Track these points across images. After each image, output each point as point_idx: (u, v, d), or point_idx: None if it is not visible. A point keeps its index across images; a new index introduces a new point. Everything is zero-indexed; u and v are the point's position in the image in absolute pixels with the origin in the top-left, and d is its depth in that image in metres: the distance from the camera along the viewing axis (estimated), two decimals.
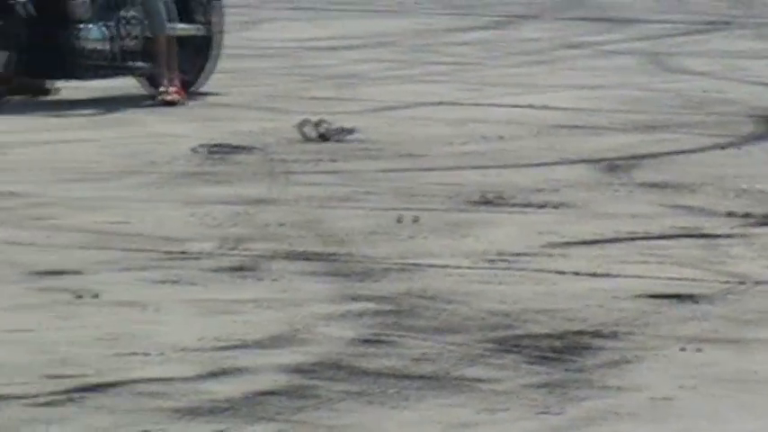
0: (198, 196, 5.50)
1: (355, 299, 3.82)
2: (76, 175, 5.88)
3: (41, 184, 5.67)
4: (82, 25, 7.13)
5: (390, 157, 6.42)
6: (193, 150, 6.26)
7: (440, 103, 8.09)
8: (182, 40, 7.44)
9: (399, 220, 4.90)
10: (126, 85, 7.93)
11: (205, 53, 7.55)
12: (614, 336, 3.44)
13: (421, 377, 2.96)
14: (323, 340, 3.36)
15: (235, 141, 6.34)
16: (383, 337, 3.35)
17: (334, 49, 9.98)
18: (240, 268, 4.20)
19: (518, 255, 4.47)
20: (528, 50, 10.60)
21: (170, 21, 7.32)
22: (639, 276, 4.27)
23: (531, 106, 8.24)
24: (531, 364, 3.12)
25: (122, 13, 7.21)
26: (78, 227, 4.93)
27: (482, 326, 3.50)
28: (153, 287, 4.01)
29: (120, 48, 7.28)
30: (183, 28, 7.43)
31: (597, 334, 3.43)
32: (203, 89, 7.95)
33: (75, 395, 2.68)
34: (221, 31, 7.67)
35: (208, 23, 7.54)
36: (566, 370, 3.04)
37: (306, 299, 3.87)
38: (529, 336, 3.43)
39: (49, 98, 7.51)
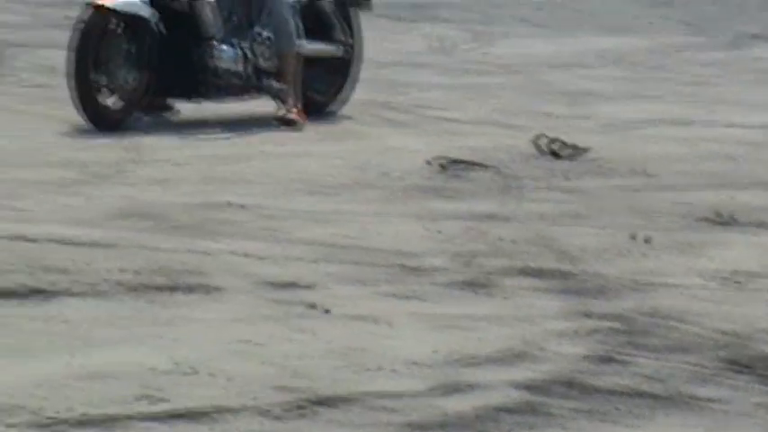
0: (431, 211, 5.52)
1: (588, 316, 3.85)
2: (308, 187, 5.91)
3: (273, 196, 5.73)
4: (215, 44, 6.91)
5: (623, 174, 6.30)
6: (427, 163, 6.23)
7: (673, 122, 7.90)
8: (317, 60, 7.32)
9: (632, 238, 4.91)
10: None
11: (343, 74, 7.41)
12: None
13: (652, 396, 3.03)
14: (555, 357, 3.43)
15: (468, 156, 6.30)
16: (615, 355, 3.39)
17: (567, 65, 9.84)
18: (472, 284, 4.24)
19: (751, 275, 4.42)
20: (763, 70, 10.57)
21: (298, 38, 7.12)
22: None
23: (765, 127, 7.99)
24: (764, 384, 3.13)
25: (255, 30, 7.09)
26: (310, 240, 5.00)
27: (714, 345, 3.52)
28: (385, 301, 4.10)
29: (253, 67, 7.11)
30: (318, 48, 7.30)
31: None
32: (433, 104, 7.89)
33: (307, 408, 2.81)
34: (361, 53, 7.52)
35: (347, 44, 7.37)
36: None
37: (538, 315, 3.89)
38: (762, 356, 3.43)
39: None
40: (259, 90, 7.08)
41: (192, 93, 6.87)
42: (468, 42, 10.49)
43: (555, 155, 6.48)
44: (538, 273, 4.45)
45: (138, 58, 6.59)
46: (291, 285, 4.16)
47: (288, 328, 3.62)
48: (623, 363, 3.34)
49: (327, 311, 3.83)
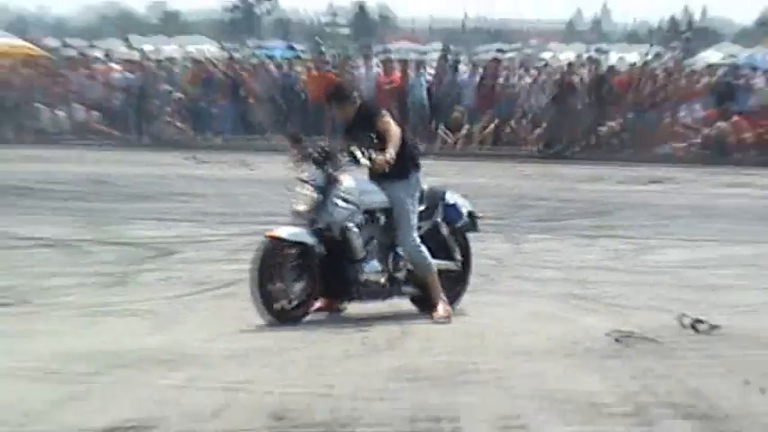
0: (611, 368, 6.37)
1: None
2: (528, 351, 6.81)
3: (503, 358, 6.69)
4: (361, 263, 7.81)
5: (749, 345, 7.26)
6: (606, 335, 7.34)
7: None
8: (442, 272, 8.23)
9: (762, 392, 5.65)
10: None
11: (461, 283, 8.41)
12: None
13: None
14: None
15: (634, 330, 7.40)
16: None
17: (703, 267, 11.05)
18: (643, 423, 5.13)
19: None
20: None
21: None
22: None
23: None
24: None
25: (396, 251, 7.98)
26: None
27: None
28: None
29: (392, 277, 7.99)
30: (444, 264, 8.21)
31: None
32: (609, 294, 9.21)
33: None
34: (471, 264, 8.54)
35: (463, 260, 8.37)
36: None
37: None
38: None
39: None
40: (399, 295, 8.07)
41: (346, 298, 7.84)
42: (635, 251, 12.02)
43: (694, 329, 7.42)
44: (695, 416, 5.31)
45: (305, 272, 7.53)
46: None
47: None
48: None
49: None
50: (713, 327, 7.54)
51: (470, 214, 8.31)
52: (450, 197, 8.27)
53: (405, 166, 7.83)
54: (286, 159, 8.17)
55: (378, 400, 5.56)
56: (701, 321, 7.57)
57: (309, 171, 7.62)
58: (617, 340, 7.25)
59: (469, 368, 6.41)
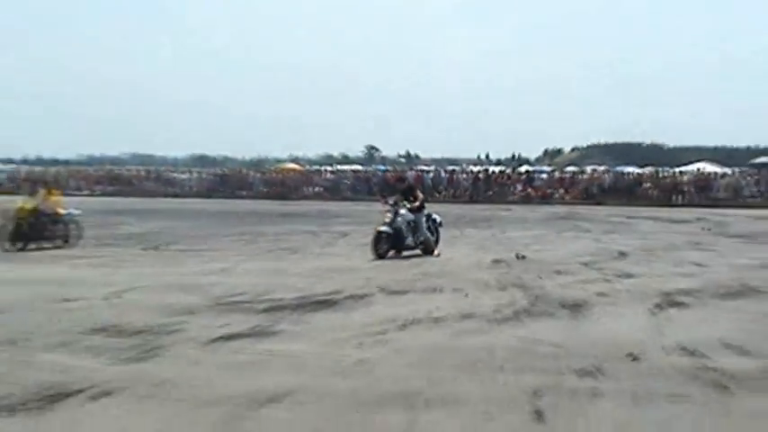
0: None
1: None
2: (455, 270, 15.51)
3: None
4: (407, 238, 18.73)
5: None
6: (516, 257, 17.54)
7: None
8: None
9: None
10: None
11: (437, 244, 19.87)
12: None
13: None
14: None
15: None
16: None
17: (523, 238, 23.15)
18: None
19: None
20: None
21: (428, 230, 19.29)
22: None
23: None
24: None
25: (417, 235, 19.14)
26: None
27: None
28: None
29: (416, 242, 18.92)
30: (433, 237, 19.50)
31: None
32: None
33: None
34: (440, 238, 21.24)
35: (437, 235, 19.94)
36: None
37: None
38: None
39: None
40: (418, 248, 18.92)
41: (402, 249, 18.74)
42: (500, 232, 23.19)
43: (519, 258, 17.32)
44: (518, 286, 15.88)
45: (387, 241, 18.41)
46: None
47: None
48: None
49: None
50: (525, 257, 17.91)
51: (440, 221, 19.75)
52: (434, 215, 19.48)
53: (421, 208, 18.83)
54: (382, 203, 18.89)
55: (412, 281, 13.90)
56: (523, 256, 17.95)
57: (390, 208, 18.43)
58: (493, 261, 17.08)
59: (445, 271, 15.70)
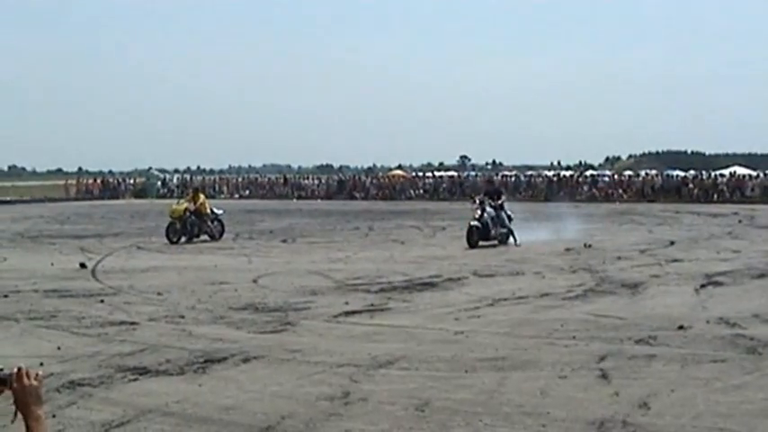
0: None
1: None
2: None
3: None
4: (492, 229, 18.74)
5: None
6: (566, 250, 17.76)
7: None
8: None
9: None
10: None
11: (509, 234, 19.84)
12: None
13: None
14: None
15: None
16: None
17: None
18: None
19: None
20: None
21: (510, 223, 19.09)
22: None
23: None
24: None
25: (499, 227, 18.69)
26: None
27: None
28: None
29: (499, 234, 18.75)
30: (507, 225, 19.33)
31: None
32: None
33: None
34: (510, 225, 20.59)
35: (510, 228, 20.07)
36: None
37: None
38: None
39: None
40: (499, 239, 18.65)
41: (488, 239, 18.51)
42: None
43: (586, 247, 17.36)
44: (587, 269, 15.57)
45: (478, 233, 18.54)
46: None
47: None
48: None
49: None
50: (591, 246, 17.52)
51: (512, 216, 19.12)
52: (509, 211, 18.97)
53: (502, 206, 18.47)
54: (471, 203, 18.56)
55: (499, 266, 14.55)
56: (589, 245, 17.55)
57: (479, 204, 18.01)
58: (565, 249, 16.97)
59: (526, 258, 15.74)
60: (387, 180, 56.83)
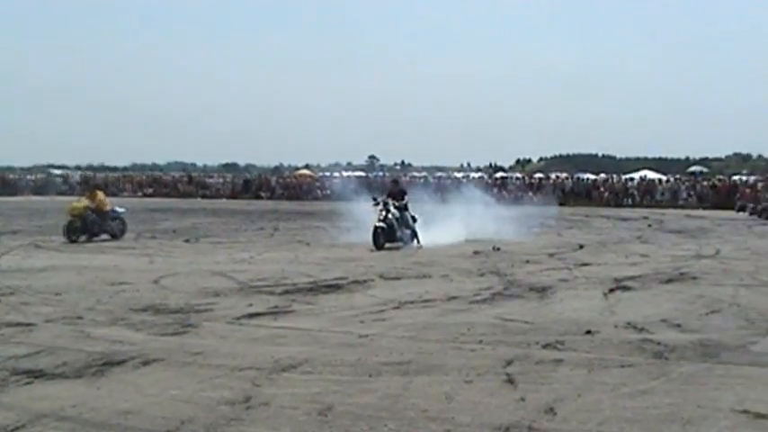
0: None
1: None
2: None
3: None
4: (398, 231, 18.66)
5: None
6: (493, 249, 17.73)
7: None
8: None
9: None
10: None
11: (413, 236, 20.18)
12: None
13: None
14: None
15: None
16: None
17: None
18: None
19: None
20: None
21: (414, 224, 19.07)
22: None
23: None
24: None
25: (402, 228, 18.87)
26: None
27: None
28: None
29: (406, 234, 18.98)
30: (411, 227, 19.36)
31: None
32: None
33: None
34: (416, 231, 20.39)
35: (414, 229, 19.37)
36: None
37: None
38: None
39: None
40: (402, 241, 18.86)
41: (394, 242, 18.76)
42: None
43: (495, 249, 17.44)
44: (495, 273, 15.87)
45: (383, 235, 18.71)
46: None
47: None
48: None
49: None
50: (499, 249, 17.82)
51: (414, 218, 19.27)
52: (413, 213, 19.08)
53: (407, 206, 18.52)
54: (372, 204, 18.48)
55: (406, 269, 14.54)
56: (498, 248, 17.84)
57: (383, 206, 18.03)
58: (475, 252, 17.13)
59: (434, 261, 15.79)
60: (293, 180, 56.69)
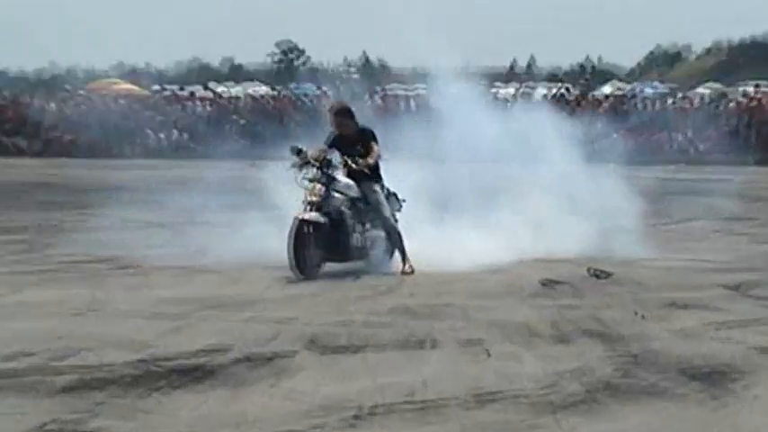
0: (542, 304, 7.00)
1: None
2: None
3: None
4: (353, 233, 8.59)
5: (629, 285, 8.00)
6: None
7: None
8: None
9: (635, 314, 6.51)
10: None
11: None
12: None
13: None
14: None
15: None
16: None
17: None
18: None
19: None
20: None
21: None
22: None
23: None
24: None
25: (364, 225, 8.92)
26: None
27: None
28: None
29: (364, 244, 8.90)
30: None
31: None
32: None
33: None
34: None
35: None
36: None
37: None
38: None
39: None
40: (367, 257, 9.07)
41: (343, 260, 8.67)
42: None
43: (597, 277, 8.34)
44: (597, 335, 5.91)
45: (319, 241, 8.27)
46: None
47: None
48: None
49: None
50: (609, 274, 8.69)
51: (398, 199, 9.37)
52: (396, 191, 9.33)
53: (378, 173, 8.97)
54: (287, 165, 8.61)
55: (366, 326, 6.21)
56: (602, 271, 8.69)
57: (312, 173, 8.44)
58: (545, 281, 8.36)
59: (442, 301, 7.38)
60: (92, 106, 34.80)
